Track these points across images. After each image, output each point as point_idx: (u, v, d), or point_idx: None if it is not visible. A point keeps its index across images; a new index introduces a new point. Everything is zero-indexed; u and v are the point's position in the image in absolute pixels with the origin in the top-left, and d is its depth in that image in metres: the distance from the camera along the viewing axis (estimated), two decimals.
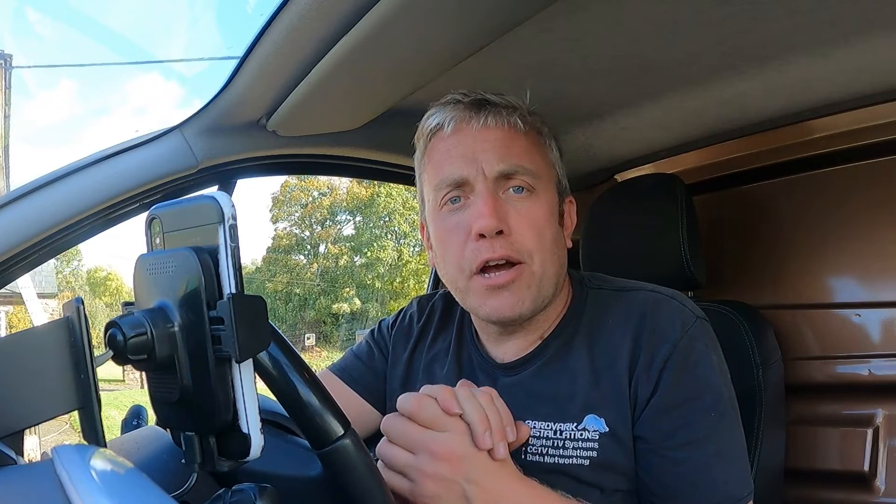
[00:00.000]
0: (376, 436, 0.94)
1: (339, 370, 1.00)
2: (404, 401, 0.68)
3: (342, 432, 0.52)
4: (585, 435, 0.77)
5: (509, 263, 0.78)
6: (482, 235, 0.77)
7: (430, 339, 0.97)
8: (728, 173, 1.46)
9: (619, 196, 1.28)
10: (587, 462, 0.77)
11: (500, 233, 0.77)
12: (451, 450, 0.64)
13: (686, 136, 1.35)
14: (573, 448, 0.78)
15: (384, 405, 0.98)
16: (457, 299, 0.87)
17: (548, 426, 0.80)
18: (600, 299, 0.86)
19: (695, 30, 0.92)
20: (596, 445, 0.77)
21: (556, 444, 0.78)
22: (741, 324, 1.10)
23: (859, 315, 1.28)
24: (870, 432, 1.24)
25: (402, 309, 1.06)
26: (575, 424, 0.78)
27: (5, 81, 11.04)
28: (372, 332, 1.05)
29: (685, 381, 0.75)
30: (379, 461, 0.68)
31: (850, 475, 1.24)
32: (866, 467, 1.23)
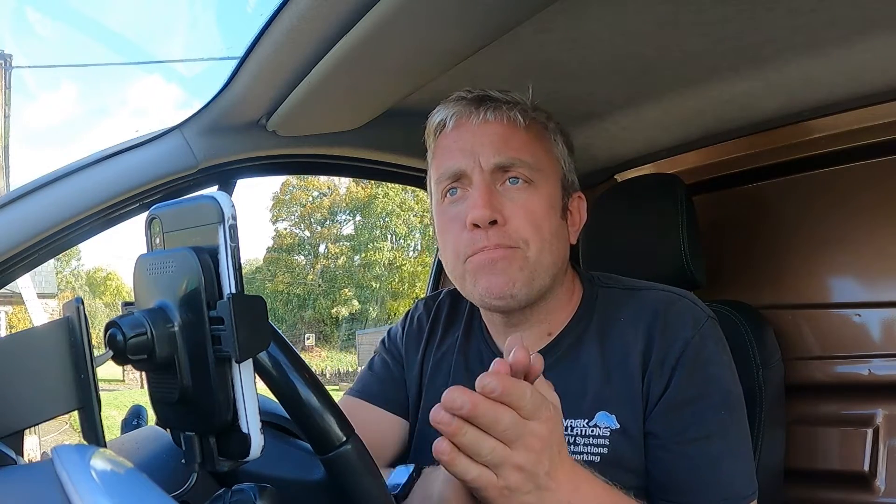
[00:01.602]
0: (409, 446, 0.93)
1: (359, 392, 0.98)
2: (509, 385, 0.56)
3: (345, 438, 0.52)
4: (597, 431, 0.78)
5: (502, 248, 0.79)
6: (476, 226, 0.79)
7: (439, 337, 0.97)
8: (728, 173, 1.46)
9: (619, 196, 1.28)
10: (598, 459, 0.77)
11: (494, 223, 0.78)
12: (546, 441, 0.58)
13: (686, 136, 1.35)
14: (584, 444, 0.78)
15: (408, 412, 0.97)
16: (458, 289, 0.88)
17: None
18: (611, 298, 0.87)
19: (695, 30, 0.92)
20: (607, 442, 0.77)
21: (567, 441, 0.78)
22: (741, 324, 1.10)
23: (859, 315, 1.28)
24: (870, 432, 1.24)
25: (407, 313, 1.05)
26: (586, 421, 0.79)
27: (5, 81, 11.04)
28: (383, 342, 1.05)
29: (697, 379, 0.76)
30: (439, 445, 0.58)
31: (850, 475, 1.24)
32: (866, 467, 1.23)
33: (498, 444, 0.57)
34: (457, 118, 0.83)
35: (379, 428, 0.92)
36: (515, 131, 0.82)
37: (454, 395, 0.56)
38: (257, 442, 0.43)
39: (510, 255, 0.79)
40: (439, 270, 1.54)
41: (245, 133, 1.03)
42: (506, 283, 0.79)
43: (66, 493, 0.37)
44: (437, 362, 0.95)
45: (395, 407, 0.96)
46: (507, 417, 0.56)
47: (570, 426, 0.79)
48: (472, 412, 0.56)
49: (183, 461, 0.46)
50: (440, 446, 0.57)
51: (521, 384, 0.58)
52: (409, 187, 0.98)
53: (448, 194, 0.84)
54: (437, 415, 0.57)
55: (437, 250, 0.92)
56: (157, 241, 0.48)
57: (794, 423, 1.27)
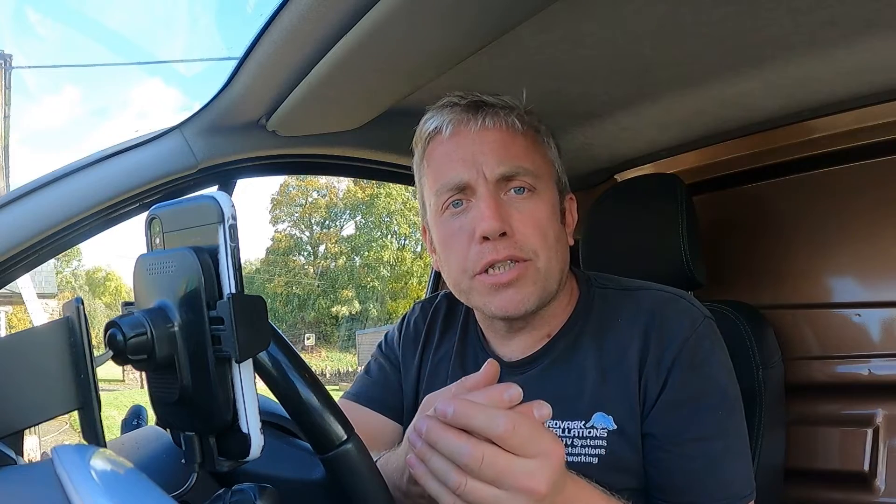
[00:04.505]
0: None
1: (355, 396, 0.98)
2: (489, 421, 0.51)
3: (345, 437, 0.52)
4: (594, 433, 0.78)
5: (513, 261, 0.78)
6: (486, 238, 0.77)
7: (436, 341, 0.97)
8: (728, 173, 1.46)
9: (619, 196, 1.28)
10: (596, 460, 0.77)
11: (503, 234, 0.77)
12: (550, 479, 0.52)
13: (686, 136, 1.35)
14: (581, 446, 0.78)
15: (403, 417, 0.96)
16: (462, 300, 0.87)
17: (556, 424, 0.80)
18: (608, 299, 0.87)
19: (695, 30, 0.92)
20: (604, 443, 0.77)
21: (564, 443, 0.78)
22: (741, 324, 1.10)
23: (859, 315, 1.28)
24: (870, 432, 1.24)
25: (404, 316, 1.05)
26: (583, 422, 0.79)
27: (5, 81, 11.04)
28: (379, 346, 1.04)
29: (693, 379, 0.76)
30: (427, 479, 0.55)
31: (850, 475, 1.24)
32: (866, 467, 1.23)
33: (487, 487, 0.51)
34: (454, 125, 0.81)
35: (374, 431, 0.92)
36: (515, 138, 0.81)
37: (420, 421, 0.54)
38: (257, 442, 0.43)
39: (522, 271, 0.78)
40: (438, 274, 1.54)
41: (245, 133, 1.03)
42: (521, 300, 0.79)
43: (66, 493, 0.37)
44: (434, 366, 0.95)
45: (391, 411, 0.96)
46: (468, 450, 0.50)
47: (567, 428, 0.79)
48: (427, 438, 0.53)
49: (183, 461, 0.46)
50: (410, 460, 0.56)
51: (485, 409, 0.52)
52: (411, 187, 0.97)
53: (451, 206, 0.82)
54: (410, 434, 0.57)
55: (436, 258, 0.90)
56: (157, 241, 0.48)
57: (794, 423, 1.27)
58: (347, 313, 28.07)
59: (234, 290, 0.42)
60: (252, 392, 0.43)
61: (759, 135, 1.31)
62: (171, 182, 0.97)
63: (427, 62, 0.89)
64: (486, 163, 0.79)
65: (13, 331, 8.34)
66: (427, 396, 0.64)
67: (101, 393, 0.45)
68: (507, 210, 0.79)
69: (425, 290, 1.70)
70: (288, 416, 0.54)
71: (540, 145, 0.85)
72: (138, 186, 0.93)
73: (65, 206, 0.88)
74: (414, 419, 0.60)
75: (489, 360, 0.61)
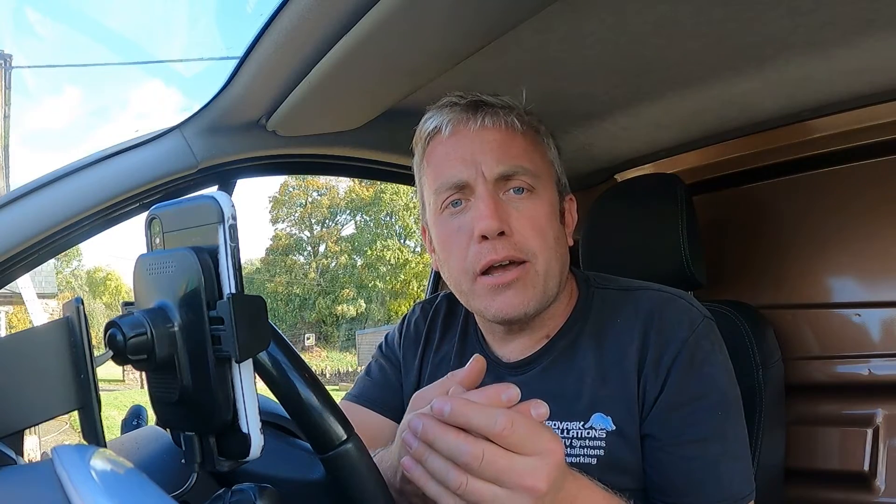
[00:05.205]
0: None
1: (356, 397, 0.98)
2: (488, 419, 0.51)
3: (345, 437, 0.52)
4: (592, 434, 0.78)
5: (513, 263, 0.78)
6: (484, 237, 0.77)
7: (436, 342, 0.97)
8: (728, 173, 1.46)
9: (619, 196, 1.28)
10: (594, 461, 0.77)
11: (501, 234, 0.77)
12: (550, 477, 0.52)
13: (686, 136, 1.35)
14: (580, 447, 0.78)
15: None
16: (462, 302, 0.87)
17: (554, 425, 0.80)
18: (607, 299, 0.87)
19: (695, 30, 0.92)
20: (603, 444, 0.77)
21: (563, 444, 0.78)
22: (741, 324, 1.10)
23: (859, 315, 1.28)
24: (870, 432, 1.24)
25: (404, 317, 1.05)
26: (582, 423, 0.79)
27: (5, 81, 11.04)
28: (380, 347, 1.04)
29: (693, 380, 0.76)
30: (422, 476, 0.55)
31: (850, 475, 1.24)
32: (866, 467, 1.23)
33: (473, 479, 0.51)
34: (453, 125, 0.82)
35: (375, 432, 0.92)
36: (514, 137, 0.81)
37: (414, 419, 0.54)
38: (257, 442, 0.43)
39: (522, 274, 0.78)
40: (438, 274, 1.54)
41: (245, 133, 1.03)
42: (521, 303, 0.79)
43: (66, 493, 0.37)
44: (434, 367, 0.95)
45: (392, 412, 0.95)
46: (468, 448, 0.50)
47: (566, 429, 0.79)
48: (424, 437, 0.53)
49: (183, 461, 0.46)
50: (406, 463, 0.56)
51: (483, 407, 0.52)
52: (413, 187, 0.97)
53: (450, 206, 0.82)
54: (405, 434, 0.56)
55: (435, 258, 0.90)
56: (157, 241, 0.48)
57: (794, 423, 1.27)
58: (355, 313, 28.04)
59: (234, 290, 0.42)
60: (252, 392, 0.43)
61: (759, 135, 1.31)
62: (171, 182, 0.97)
63: (427, 62, 0.89)
64: (485, 162, 0.79)
65: (13, 331, 8.34)
66: (416, 393, 0.63)
67: (101, 393, 0.45)
68: (505, 209, 0.79)
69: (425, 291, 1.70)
70: (288, 416, 0.54)
71: (539, 145, 0.85)
72: (138, 186, 0.93)
73: (65, 206, 0.88)
74: (406, 417, 0.60)
75: (475, 354, 0.61)
